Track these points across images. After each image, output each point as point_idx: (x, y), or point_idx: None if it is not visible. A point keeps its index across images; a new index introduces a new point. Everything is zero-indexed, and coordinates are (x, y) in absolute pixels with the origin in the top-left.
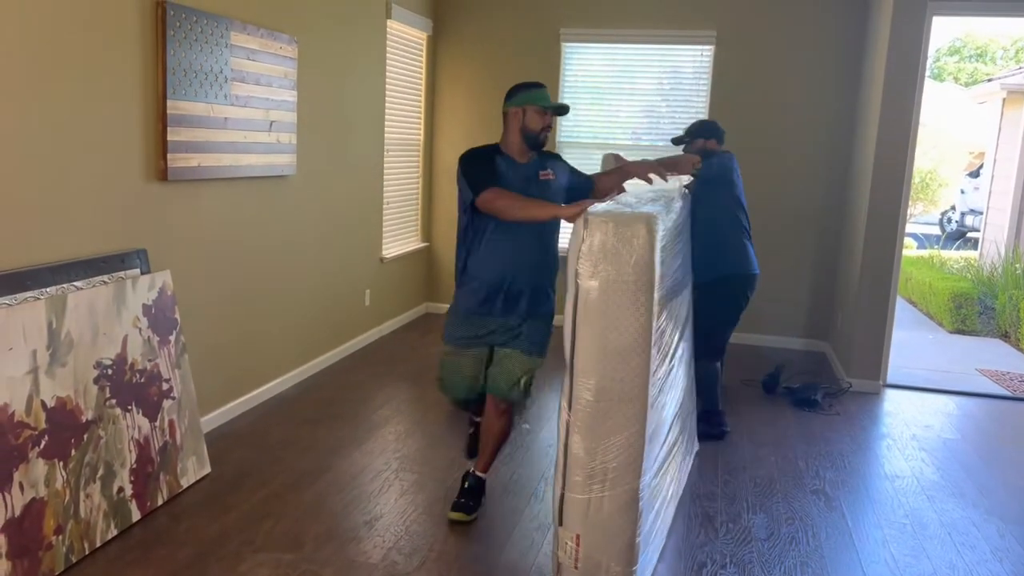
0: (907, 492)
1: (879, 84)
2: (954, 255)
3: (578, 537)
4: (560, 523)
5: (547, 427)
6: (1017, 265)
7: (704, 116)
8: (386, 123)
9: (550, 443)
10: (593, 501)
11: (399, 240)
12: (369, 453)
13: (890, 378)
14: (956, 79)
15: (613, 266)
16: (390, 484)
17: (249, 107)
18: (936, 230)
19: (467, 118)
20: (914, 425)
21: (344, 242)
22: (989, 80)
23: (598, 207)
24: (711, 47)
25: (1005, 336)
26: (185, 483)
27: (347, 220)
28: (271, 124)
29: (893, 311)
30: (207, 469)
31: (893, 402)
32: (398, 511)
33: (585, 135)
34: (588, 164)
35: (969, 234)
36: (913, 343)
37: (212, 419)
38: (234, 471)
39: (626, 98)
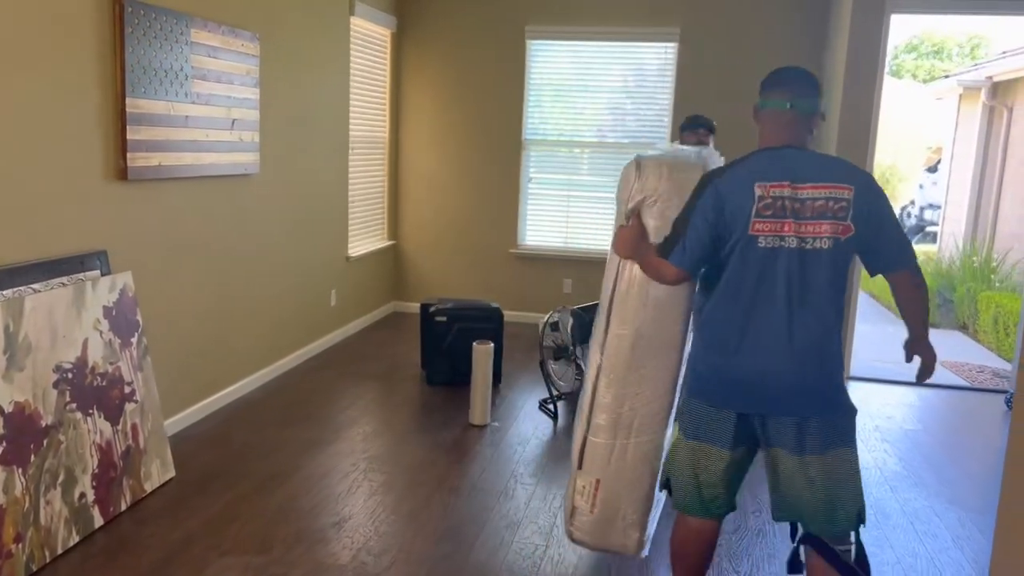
0: (871, 483)
1: (839, 81)
2: (914, 249)
3: (597, 482)
4: (579, 467)
5: (515, 426)
6: (974, 258)
7: (668, 113)
8: (351, 121)
9: (519, 441)
10: (617, 448)
11: (365, 238)
12: (337, 454)
13: (854, 371)
14: (914, 76)
15: (662, 214)
16: (358, 485)
17: (211, 105)
18: None
19: (433, 116)
20: (877, 417)
21: (309, 241)
22: (946, 77)
23: (649, 152)
24: (675, 44)
25: (964, 328)
26: (149, 487)
27: (312, 219)
28: (233, 122)
29: (855, 306)
30: (172, 473)
31: (857, 394)
32: (367, 512)
33: (551, 132)
34: (553, 161)
35: (928, 228)
36: (876, 336)
37: (176, 422)
38: (199, 474)
39: (591, 95)
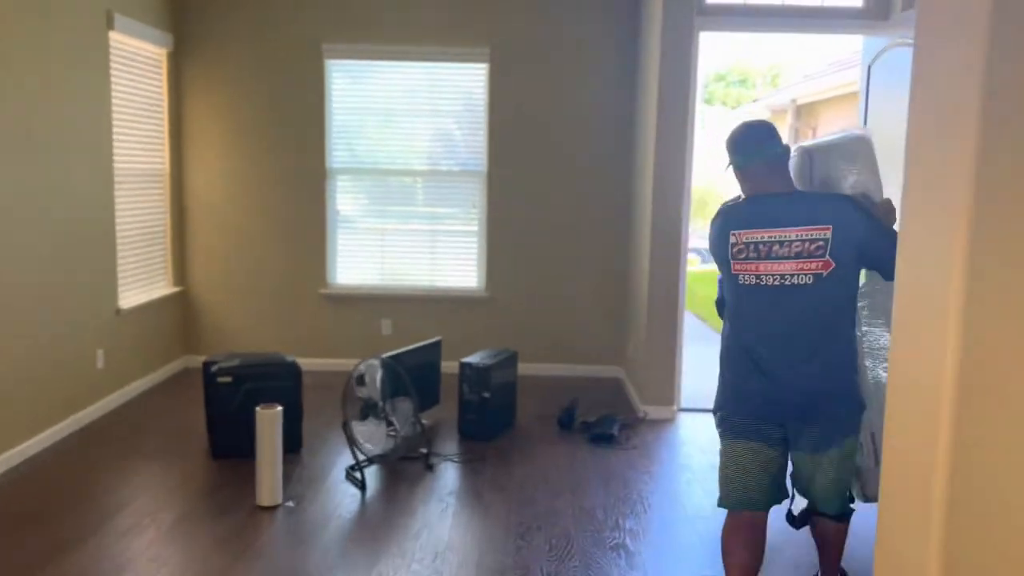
0: (711, 536)
1: (653, 101)
2: None
3: (872, 436)
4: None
5: (317, 502)
6: None
7: (484, 137)
8: (115, 151)
9: (318, 523)
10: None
11: (143, 287)
12: (88, 558)
13: (684, 402)
14: (724, 103)
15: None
16: None
17: None
18: None
19: (223, 145)
20: (710, 451)
21: (67, 293)
22: (755, 101)
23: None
24: (485, 65)
25: None
26: None
27: (69, 266)
28: None
29: (682, 335)
30: None
31: (688, 428)
32: None
33: (362, 160)
34: (366, 191)
35: None
36: (704, 359)
37: None
38: None
39: (405, 119)
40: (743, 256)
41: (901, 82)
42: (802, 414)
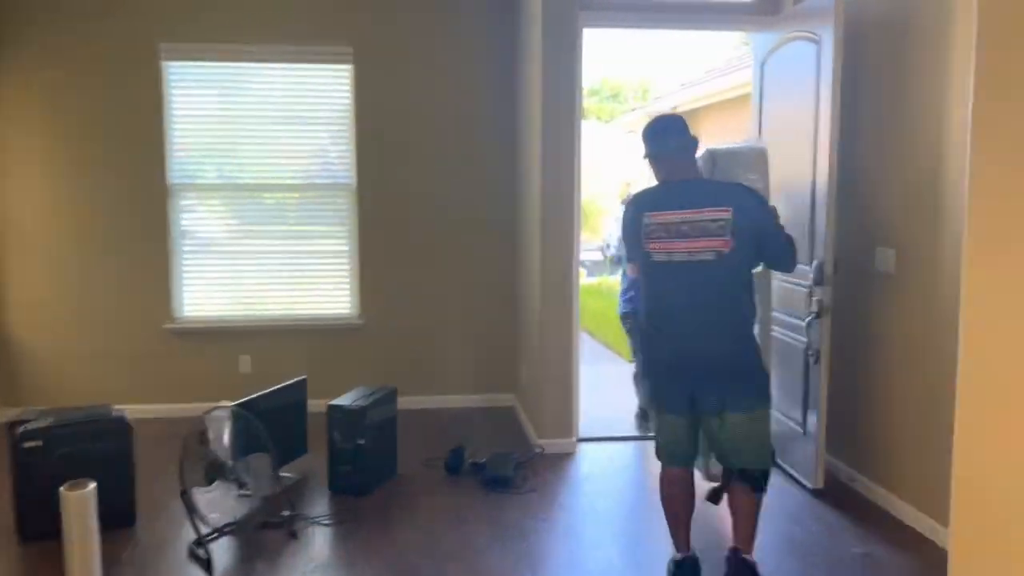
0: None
1: (538, 103)
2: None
3: None
4: None
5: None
6: None
7: (352, 146)
8: None
9: None
10: None
11: None
12: None
13: (583, 430)
14: (599, 118)
15: None
16: None
17: None
18: (600, 256)
19: (43, 162)
20: (614, 490)
21: None
22: (633, 111)
23: None
24: (349, 66)
25: None
26: None
27: None
28: None
29: (578, 357)
30: None
31: (590, 461)
32: None
33: (210, 175)
34: (218, 210)
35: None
36: (598, 379)
37: None
38: None
39: (263, 128)
40: (656, 236)
41: (796, 78)
42: (711, 375)
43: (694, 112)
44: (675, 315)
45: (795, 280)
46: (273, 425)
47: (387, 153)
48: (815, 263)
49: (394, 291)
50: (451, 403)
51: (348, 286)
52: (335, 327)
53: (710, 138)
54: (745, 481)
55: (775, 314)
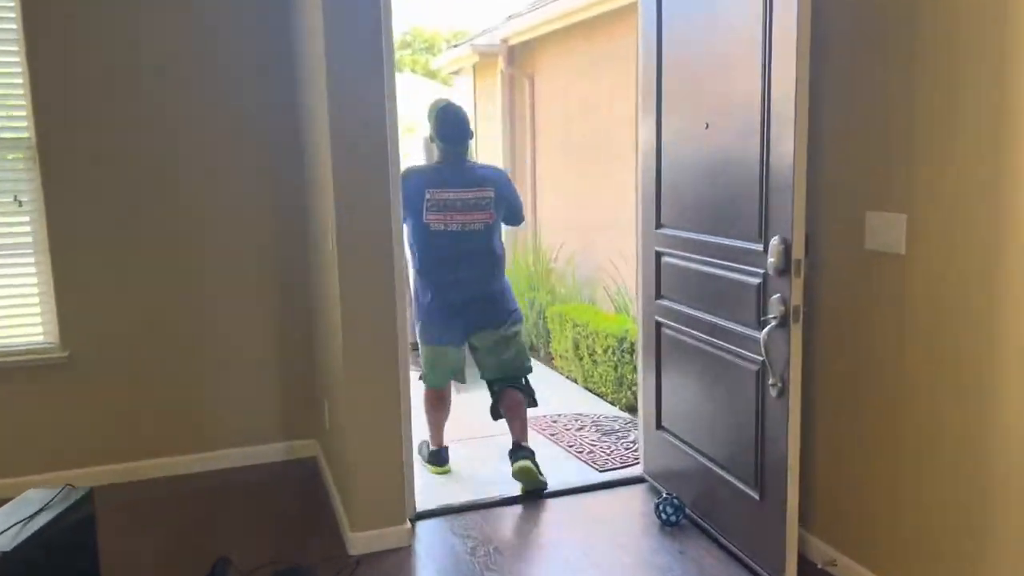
0: None
1: (320, 56)
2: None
3: None
4: None
5: None
6: (530, 258)
7: (25, 82)
8: None
9: None
10: None
11: None
12: None
13: (420, 500)
14: (413, 70)
15: None
16: None
17: None
18: None
19: None
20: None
21: None
22: (456, 46)
23: None
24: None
25: (535, 352)
26: None
27: None
28: None
29: (408, 393)
30: None
31: (429, 557)
32: None
33: None
34: None
35: None
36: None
37: None
38: None
39: None
40: (435, 209)
41: None
42: (485, 307)
43: (527, 45)
44: (453, 269)
45: (737, 267)
46: None
47: (89, 95)
48: (774, 240)
49: (121, 304)
50: (224, 462)
51: (38, 301)
52: (18, 365)
53: (561, 71)
54: (515, 386)
55: (694, 313)
